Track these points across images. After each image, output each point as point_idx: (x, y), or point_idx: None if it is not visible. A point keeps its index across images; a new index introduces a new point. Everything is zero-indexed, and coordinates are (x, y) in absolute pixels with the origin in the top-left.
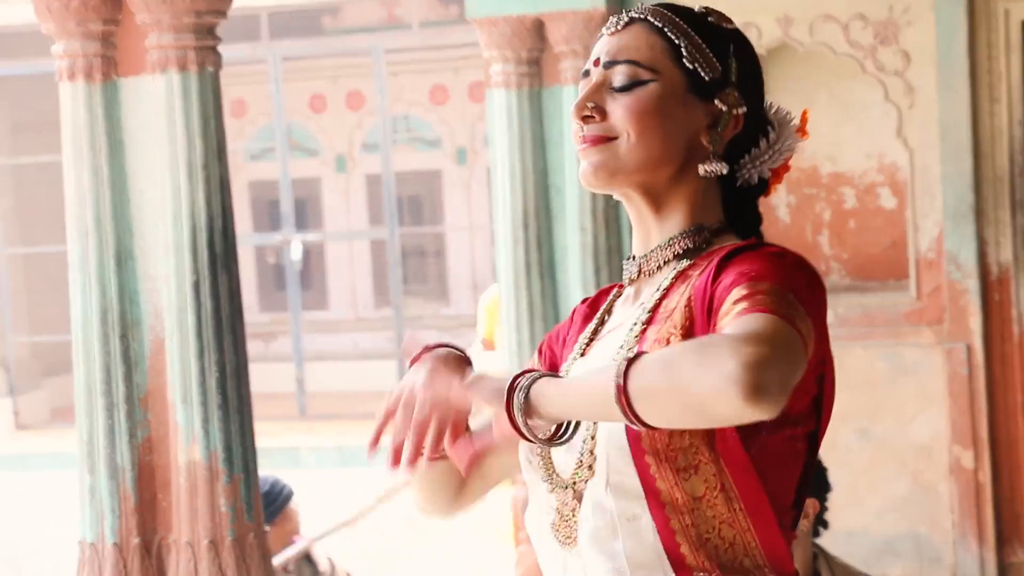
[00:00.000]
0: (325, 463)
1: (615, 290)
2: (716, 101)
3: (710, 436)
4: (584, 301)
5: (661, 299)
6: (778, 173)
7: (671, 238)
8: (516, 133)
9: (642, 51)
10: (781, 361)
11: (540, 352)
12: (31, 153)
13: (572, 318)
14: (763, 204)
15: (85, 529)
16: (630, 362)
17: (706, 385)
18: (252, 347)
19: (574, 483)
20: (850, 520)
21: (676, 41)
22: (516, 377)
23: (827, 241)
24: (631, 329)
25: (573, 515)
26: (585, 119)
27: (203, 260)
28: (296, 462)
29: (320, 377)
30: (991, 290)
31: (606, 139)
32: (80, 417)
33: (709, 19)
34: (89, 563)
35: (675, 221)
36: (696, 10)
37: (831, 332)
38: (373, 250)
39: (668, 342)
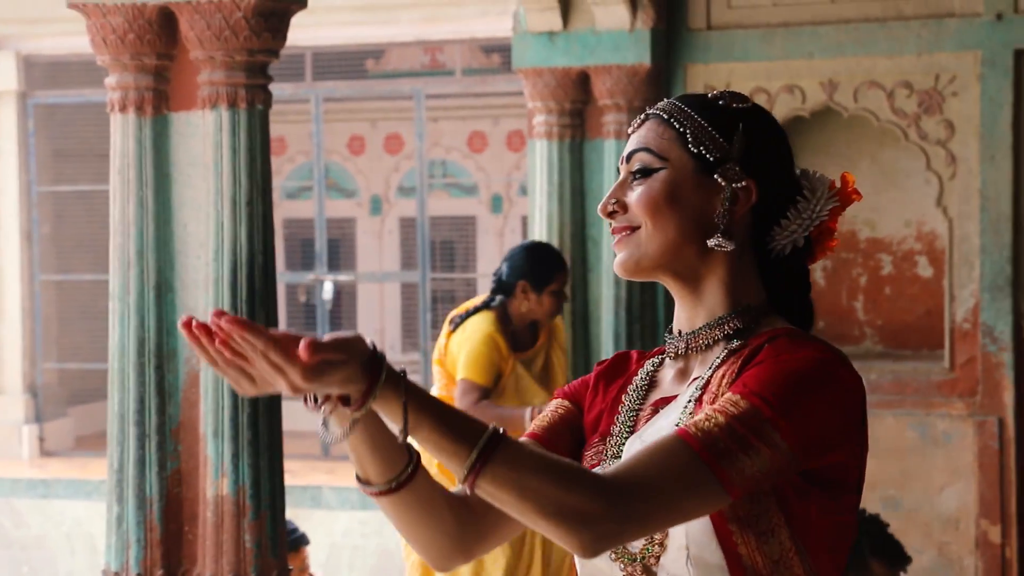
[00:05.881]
0: (346, 504)
1: (647, 360)
2: (716, 177)
3: (781, 502)
4: (600, 365)
5: (710, 378)
6: (821, 240)
7: (720, 318)
8: (556, 184)
9: (652, 140)
10: (637, 518)
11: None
12: (71, 182)
13: (592, 384)
14: None
15: (111, 557)
16: (498, 440)
17: (550, 515)
18: None
19: (643, 557)
20: None
21: (681, 128)
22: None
23: (862, 307)
24: (685, 407)
25: None
26: (611, 215)
27: (242, 295)
28: (318, 502)
29: None
30: None
31: (630, 229)
32: (111, 446)
33: (719, 102)
34: None
35: (715, 299)
36: (709, 95)
37: None
38: (404, 293)
39: None
